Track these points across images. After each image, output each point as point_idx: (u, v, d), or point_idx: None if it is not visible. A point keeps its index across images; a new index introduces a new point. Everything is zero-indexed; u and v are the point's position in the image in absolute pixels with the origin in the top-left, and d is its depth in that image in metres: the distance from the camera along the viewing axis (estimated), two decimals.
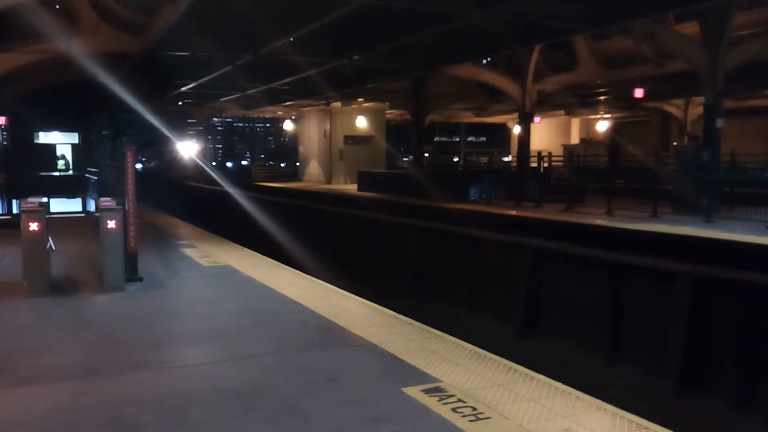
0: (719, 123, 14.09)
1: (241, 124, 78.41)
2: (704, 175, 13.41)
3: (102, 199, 7.78)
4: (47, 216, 7.48)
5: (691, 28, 15.17)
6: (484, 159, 35.69)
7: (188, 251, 10.49)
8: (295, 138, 38.14)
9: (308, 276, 8.55)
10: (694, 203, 12.93)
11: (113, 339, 5.57)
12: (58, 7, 15.37)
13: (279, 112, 35.82)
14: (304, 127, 33.48)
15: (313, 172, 31.88)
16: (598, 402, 4.14)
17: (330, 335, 5.70)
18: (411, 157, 28.17)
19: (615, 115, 30.09)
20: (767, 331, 6.83)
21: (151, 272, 8.31)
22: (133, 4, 14.36)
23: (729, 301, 7.22)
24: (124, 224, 7.38)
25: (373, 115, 29.86)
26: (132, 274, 7.72)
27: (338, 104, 28.55)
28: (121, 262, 7.33)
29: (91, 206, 14.81)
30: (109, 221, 7.16)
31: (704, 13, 13.81)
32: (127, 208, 7.59)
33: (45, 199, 7.82)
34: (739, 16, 14.71)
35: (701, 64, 14.22)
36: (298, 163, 35.46)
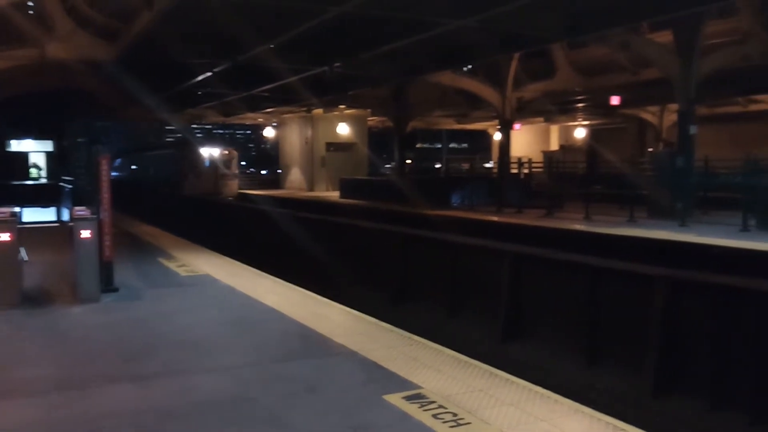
0: (692, 129, 14.42)
1: (221, 131, 77.86)
2: (679, 180, 13.69)
3: (76, 208, 7.63)
4: (19, 226, 7.32)
5: (664, 36, 15.52)
6: (466, 165, 36.00)
7: (165, 260, 10.34)
8: (276, 145, 37.91)
9: (289, 284, 8.49)
10: (670, 208, 13.20)
11: (88, 351, 5.45)
12: (31, 12, 15.09)
13: (259, 119, 35.62)
14: (285, 134, 33.37)
15: (295, 179, 31.75)
16: (577, 405, 4.19)
17: (310, 344, 5.65)
18: (393, 163, 28.26)
19: (593, 121, 30.56)
20: (739, 332, 6.97)
21: (128, 282, 8.17)
22: (109, 10, 14.18)
23: (703, 303, 7.35)
24: (99, 234, 7.25)
25: (355, 122, 29.89)
26: (107, 284, 7.57)
27: (320, 111, 28.54)
28: (95, 273, 7.19)
29: (66, 216, 14.53)
30: (83, 231, 7.02)
31: (677, 22, 14.14)
32: (101, 217, 7.46)
33: (17, 209, 7.64)
34: (711, 25, 15.08)
35: (674, 72, 14.55)
36: (279, 170, 35.24)
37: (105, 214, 7.51)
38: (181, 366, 5.04)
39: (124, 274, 8.46)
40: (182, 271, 9.28)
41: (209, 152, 27.74)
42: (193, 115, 32.86)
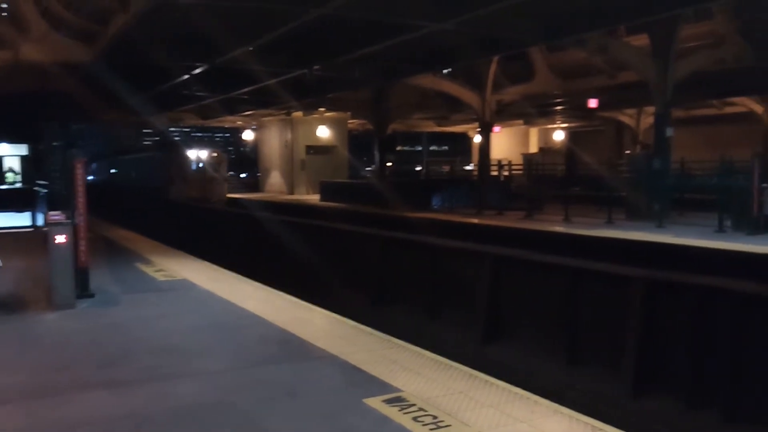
0: (669, 132, 14.67)
1: (200, 134, 77.02)
2: (655, 182, 13.91)
3: (51, 212, 7.47)
4: None
5: (641, 40, 15.78)
6: (447, 168, 36.17)
7: (143, 265, 10.18)
8: (255, 148, 37.63)
9: (269, 288, 8.41)
10: (647, 209, 13.40)
11: (63, 358, 5.33)
12: (5, 14, 14.78)
13: (239, 122, 35.35)
14: (265, 137, 33.15)
15: (275, 183, 31.56)
16: (556, 406, 4.22)
17: (290, 348, 5.61)
18: (373, 166, 28.26)
19: (571, 124, 30.96)
20: (715, 331, 7.09)
21: (104, 288, 8.02)
22: (85, 12, 13.95)
23: (680, 303, 7.47)
24: (74, 238, 7.11)
25: (335, 125, 29.85)
26: (83, 290, 7.43)
27: (300, 114, 28.43)
28: (70, 278, 7.04)
29: (41, 220, 14.22)
30: (57, 236, 6.88)
31: (653, 26, 14.39)
32: (77, 221, 7.32)
33: None
34: (687, 28, 15.37)
35: (651, 75, 14.79)
36: (259, 174, 34.99)
37: (80, 219, 7.37)
38: (158, 372, 4.96)
39: (100, 279, 8.30)
40: (160, 276, 9.14)
41: (197, 155, 26.07)
42: (171, 117, 32.46)
